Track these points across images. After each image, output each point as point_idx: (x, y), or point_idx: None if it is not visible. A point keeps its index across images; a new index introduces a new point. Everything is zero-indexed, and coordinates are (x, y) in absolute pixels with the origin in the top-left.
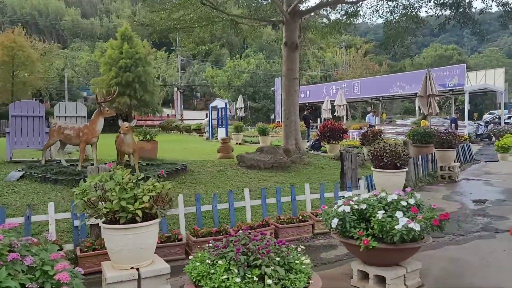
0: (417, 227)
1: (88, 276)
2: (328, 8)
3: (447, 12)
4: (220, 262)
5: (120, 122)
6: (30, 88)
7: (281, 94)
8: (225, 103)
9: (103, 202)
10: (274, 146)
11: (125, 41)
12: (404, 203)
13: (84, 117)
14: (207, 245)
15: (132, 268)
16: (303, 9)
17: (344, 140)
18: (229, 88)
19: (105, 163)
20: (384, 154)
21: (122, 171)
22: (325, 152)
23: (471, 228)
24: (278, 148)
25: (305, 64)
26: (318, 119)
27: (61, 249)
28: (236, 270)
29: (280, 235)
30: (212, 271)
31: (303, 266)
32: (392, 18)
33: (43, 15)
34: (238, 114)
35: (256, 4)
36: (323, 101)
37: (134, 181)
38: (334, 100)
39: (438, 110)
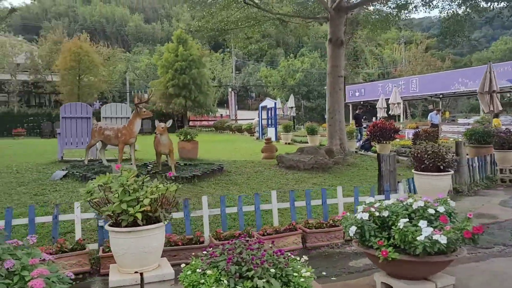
0: (443, 239)
1: (106, 277)
2: (376, 2)
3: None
4: (209, 271)
5: (156, 122)
6: (95, 91)
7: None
8: (275, 103)
9: (107, 204)
10: (316, 147)
11: (180, 44)
12: (431, 211)
13: (129, 118)
14: (203, 252)
15: (136, 272)
16: (348, 4)
17: (397, 140)
18: (282, 88)
19: (145, 163)
20: (426, 155)
21: (129, 173)
22: (375, 152)
23: None
24: (319, 149)
25: (362, 62)
26: (374, 118)
27: (83, 248)
28: (226, 281)
29: (308, 240)
30: (202, 281)
31: (302, 280)
32: (449, 7)
33: (110, 22)
34: (289, 114)
35: (301, 1)
36: (379, 100)
37: (140, 183)
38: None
39: (500, 108)
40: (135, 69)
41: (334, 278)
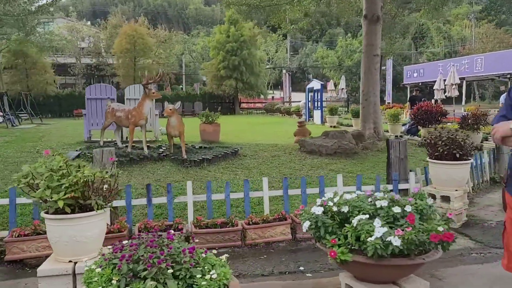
0: (396, 241)
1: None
2: None
3: None
4: (98, 270)
5: (166, 104)
6: (149, 72)
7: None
8: (321, 85)
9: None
10: (343, 131)
11: (232, 25)
12: (397, 209)
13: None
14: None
15: (70, 261)
16: None
17: (448, 124)
18: (339, 69)
19: (160, 145)
20: (440, 142)
21: (62, 157)
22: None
23: None
24: (346, 133)
25: (427, 40)
26: (433, 100)
27: None
28: (115, 282)
29: (299, 231)
30: (96, 279)
31: (204, 283)
32: None
33: (171, 5)
34: (340, 95)
35: None
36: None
37: (72, 169)
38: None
39: None
40: (191, 52)
41: (309, 275)
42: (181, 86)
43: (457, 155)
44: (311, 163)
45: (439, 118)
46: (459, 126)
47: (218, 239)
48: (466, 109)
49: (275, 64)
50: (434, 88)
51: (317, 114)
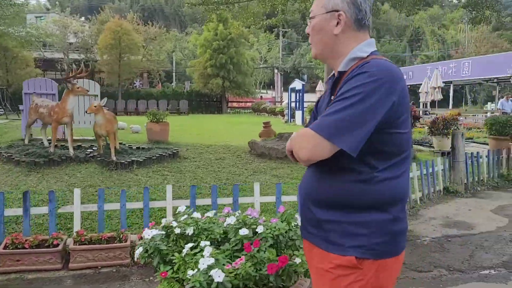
0: (219, 277)
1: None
2: None
3: None
4: None
5: (90, 101)
6: (135, 70)
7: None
8: (302, 85)
9: None
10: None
11: (221, 23)
12: (245, 231)
13: (97, 95)
14: None
15: None
16: None
17: (421, 127)
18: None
19: (92, 145)
20: None
21: None
22: None
23: (485, 262)
24: None
25: (423, 44)
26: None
27: None
28: None
29: None
30: None
31: None
32: None
33: (168, 3)
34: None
35: None
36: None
37: None
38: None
39: None
40: (183, 49)
41: None
42: (172, 84)
43: None
44: (256, 167)
45: (412, 123)
46: (428, 131)
47: (101, 257)
48: (449, 114)
49: (267, 63)
50: (419, 91)
51: (298, 114)
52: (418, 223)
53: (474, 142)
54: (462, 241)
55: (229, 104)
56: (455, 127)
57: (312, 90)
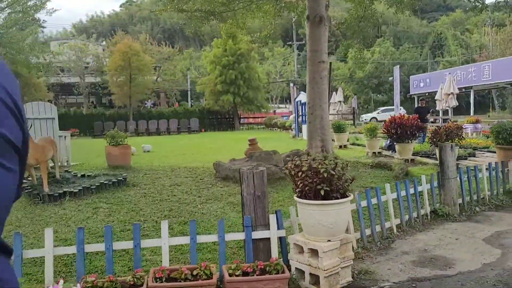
0: None
1: None
2: None
3: None
4: None
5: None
6: (145, 90)
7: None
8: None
9: None
10: (271, 151)
11: (230, 38)
12: None
13: (54, 118)
14: None
15: None
16: None
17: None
18: (351, 81)
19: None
20: (300, 173)
21: None
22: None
23: None
24: (274, 154)
25: (446, 50)
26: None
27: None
28: None
29: None
30: None
31: None
32: None
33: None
34: (338, 109)
35: None
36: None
37: None
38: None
39: None
40: (198, 67)
41: None
42: (190, 103)
43: (322, 192)
44: (213, 193)
45: (415, 133)
46: (429, 142)
47: None
48: (466, 121)
49: (283, 77)
50: (435, 98)
51: (305, 129)
52: (385, 260)
53: (490, 152)
54: (431, 286)
55: (242, 120)
56: (458, 137)
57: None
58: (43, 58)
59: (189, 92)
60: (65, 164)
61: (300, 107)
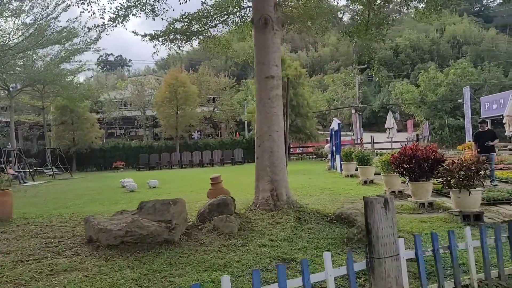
0: None
1: None
2: None
3: None
4: None
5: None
6: (190, 121)
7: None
8: (338, 124)
9: None
10: (170, 201)
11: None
12: None
13: None
14: None
15: None
16: None
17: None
18: (422, 105)
19: None
20: None
21: None
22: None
23: None
24: (174, 204)
25: None
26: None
27: None
28: None
29: None
30: None
31: None
32: None
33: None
34: (389, 136)
35: None
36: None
37: None
38: None
39: None
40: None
41: None
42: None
43: None
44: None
45: (432, 168)
46: (442, 185)
47: None
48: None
49: (343, 104)
50: (503, 121)
51: (338, 160)
52: None
53: None
54: None
55: (292, 150)
56: (482, 176)
57: (405, 128)
58: (107, 94)
59: (246, 122)
60: None
61: (335, 135)
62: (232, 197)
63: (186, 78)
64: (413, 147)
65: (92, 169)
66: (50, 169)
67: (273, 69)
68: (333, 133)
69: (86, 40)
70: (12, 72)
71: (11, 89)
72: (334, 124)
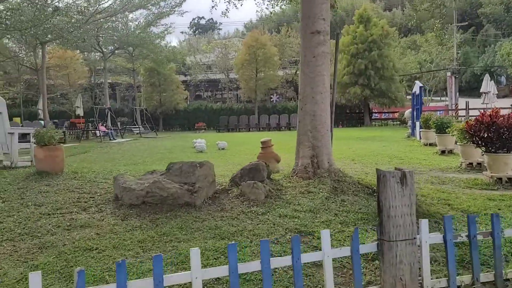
0: None
1: None
2: None
3: None
4: None
5: None
6: (271, 84)
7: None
8: (420, 88)
9: None
10: (197, 163)
11: (362, 24)
12: None
13: (1, 113)
14: None
15: None
16: None
17: None
18: None
19: None
20: None
21: None
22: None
23: None
24: (201, 166)
25: None
26: None
27: None
28: None
29: None
30: None
31: None
32: None
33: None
34: (484, 102)
35: None
36: None
37: None
38: None
39: None
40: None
41: None
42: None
43: None
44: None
45: None
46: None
47: None
48: None
49: (439, 66)
50: None
51: (418, 127)
52: None
53: None
54: None
55: (376, 115)
56: None
57: None
58: (193, 57)
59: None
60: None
61: (416, 100)
62: (265, 163)
63: (266, 40)
64: (492, 113)
65: (177, 129)
66: (137, 127)
67: (319, 23)
68: (414, 97)
69: (170, 2)
70: (103, 35)
71: (104, 51)
72: (416, 88)
